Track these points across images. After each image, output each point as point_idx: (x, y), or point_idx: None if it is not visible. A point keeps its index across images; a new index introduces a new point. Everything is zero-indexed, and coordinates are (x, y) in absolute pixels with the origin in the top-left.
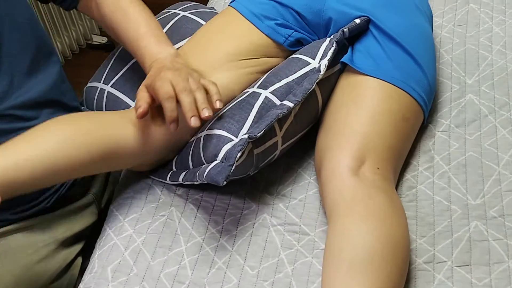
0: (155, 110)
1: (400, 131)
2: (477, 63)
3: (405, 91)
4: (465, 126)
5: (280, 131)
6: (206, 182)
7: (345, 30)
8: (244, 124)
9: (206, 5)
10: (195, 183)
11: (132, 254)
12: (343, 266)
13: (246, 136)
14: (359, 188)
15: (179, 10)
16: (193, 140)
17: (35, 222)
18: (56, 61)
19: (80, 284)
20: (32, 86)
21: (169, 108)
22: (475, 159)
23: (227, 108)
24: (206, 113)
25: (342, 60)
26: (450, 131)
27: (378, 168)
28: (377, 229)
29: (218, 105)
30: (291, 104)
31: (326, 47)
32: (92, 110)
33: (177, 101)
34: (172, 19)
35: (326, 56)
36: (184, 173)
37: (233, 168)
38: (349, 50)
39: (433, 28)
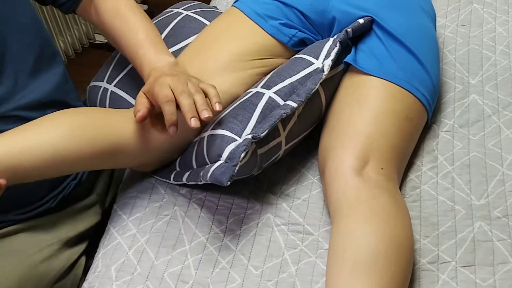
0: (155, 115)
1: (403, 131)
2: (480, 63)
3: (409, 91)
4: (468, 126)
5: (284, 131)
6: (210, 182)
7: (348, 30)
8: (247, 124)
9: (209, 4)
10: (199, 183)
11: (136, 254)
12: (347, 267)
13: (250, 136)
14: (363, 188)
15: (182, 9)
16: (197, 140)
17: (39, 222)
18: (59, 62)
19: (84, 283)
20: (36, 87)
21: (168, 111)
22: (479, 160)
23: (231, 108)
24: (205, 114)
25: (345, 60)
26: (453, 131)
27: (382, 168)
28: (381, 229)
29: (217, 107)
30: (294, 104)
31: (329, 47)
32: None
33: (177, 106)
34: (175, 18)
35: (329, 56)
36: (187, 173)
37: (237, 168)
38: (353, 50)
39: (437, 28)
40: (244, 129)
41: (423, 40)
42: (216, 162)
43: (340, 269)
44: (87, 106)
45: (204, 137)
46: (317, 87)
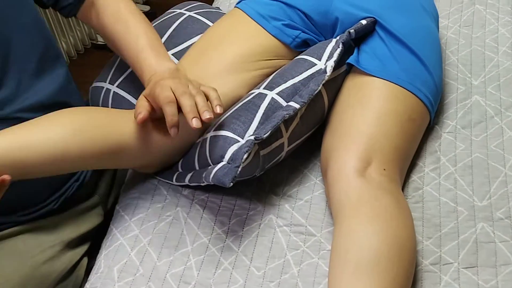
0: (156, 118)
1: (406, 132)
2: (483, 64)
3: (411, 92)
4: (471, 127)
5: (286, 132)
6: (212, 183)
7: (351, 31)
8: (250, 125)
9: (211, 5)
10: (201, 184)
11: (138, 254)
12: (349, 268)
13: (252, 137)
14: (365, 190)
15: (185, 10)
16: (199, 141)
17: (42, 224)
18: (62, 63)
19: (86, 284)
20: (39, 89)
21: (170, 112)
22: (481, 161)
23: (234, 109)
24: (207, 115)
25: (348, 61)
26: (456, 132)
27: (384, 169)
28: (383, 230)
29: (218, 109)
30: (297, 106)
31: (332, 48)
32: None
33: (178, 110)
34: (178, 19)
35: (332, 57)
36: (190, 174)
37: (239, 169)
38: (355, 51)
39: (439, 29)
40: (247, 130)
41: (426, 41)
42: (218, 163)
43: (343, 270)
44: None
45: (206, 138)
46: (319, 88)
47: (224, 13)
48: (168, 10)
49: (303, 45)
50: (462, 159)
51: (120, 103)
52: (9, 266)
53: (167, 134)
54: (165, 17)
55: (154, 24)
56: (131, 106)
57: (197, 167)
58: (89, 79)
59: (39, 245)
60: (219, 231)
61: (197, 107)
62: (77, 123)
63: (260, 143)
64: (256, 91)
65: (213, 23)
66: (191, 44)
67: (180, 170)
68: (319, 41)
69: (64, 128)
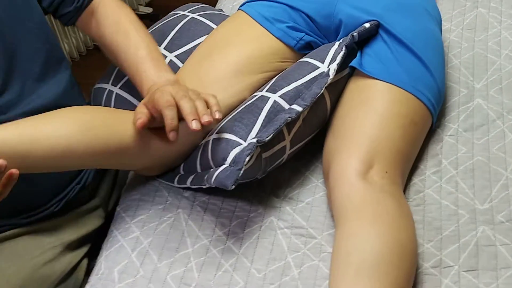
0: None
1: (408, 135)
2: (485, 67)
3: (414, 95)
4: (473, 131)
5: (289, 135)
6: (214, 186)
7: (354, 34)
8: (252, 128)
9: (214, 6)
10: (203, 187)
11: (139, 256)
12: (351, 270)
13: (254, 140)
14: (368, 192)
15: (188, 12)
16: (202, 144)
17: (42, 226)
18: (66, 67)
19: (87, 285)
20: (43, 93)
21: (169, 115)
22: (483, 164)
23: (236, 111)
24: (206, 118)
25: (351, 64)
26: (458, 135)
27: (386, 172)
28: (385, 233)
29: (217, 115)
30: (299, 108)
31: (335, 51)
32: None
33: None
34: (181, 20)
35: (335, 60)
36: (192, 177)
37: (241, 172)
38: (358, 54)
39: (442, 32)
40: (249, 133)
41: (429, 44)
42: (220, 165)
43: (344, 272)
44: None
45: (209, 140)
46: (322, 91)
47: (227, 15)
48: (171, 12)
49: (307, 48)
50: (463, 162)
51: (122, 105)
52: (10, 268)
53: (167, 139)
54: (168, 19)
55: (157, 26)
56: (133, 108)
57: (199, 170)
58: (91, 80)
59: (39, 246)
60: (220, 233)
61: (196, 111)
62: (83, 121)
63: (262, 145)
64: (259, 94)
65: (216, 25)
66: (194, 46)
67: (181, 172)
68: (323, 43)
69: (71, 124)
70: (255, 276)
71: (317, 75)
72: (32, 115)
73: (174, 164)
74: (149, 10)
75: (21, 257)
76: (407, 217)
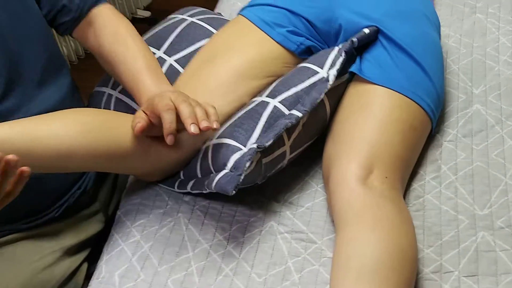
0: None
1: (408, 140)
2: (484, 73)
3: (414, 101)
4: (472, 136)
5: (289, 140)
6: (215, 191)
7: (354, 40)
8: (252, 133)
9: (213, 10)
10: (203, 192)
11: (140, 260)
12: (351, 275)
13: (255, 145)
14: (368, 198)
15: (187, 15)
16: (202, 149)
17: (43, 230)
18: (66, 73)
19: None
20: (43, 99)
21: (168, 119)
22: (482, 170)
23: (236, 117)
24: (205, 123)
25: (351, 70)
26: (457, 141)
27: (386, 177)
28: (385, 238)
29: (215, 125)
30: (299, 114)
31: (334, 56)
32: None
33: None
34: (180, 25)
35: (334, 65)
36: (192, 182)
37: (242, 177)
38: (358, 59)
39: (440, 38)
40: (249, 138)
41: (428, 49)
42: (221, 171)
43: (344, 277)
44: None
45: (209, 146)
46: (322, 96)
47: (226, 19)
48: (169, 15)
49: (307, 52)
50: (462, 168)
51: (122, 109)
52: (9, 272)
53: (167, 145)
54: (167, 23)
55: (156, 30)
56: (133, 112)
57: (199, 175)
58: (90, 84)
59: (39, 251)
60: (220, 237)
61: (195, 116)
62: (85, 122)
63: (262, 151)
64: (259, 99)
65: (215, 29)
66: (194, 50)
67: (182, 177)
68: (322, 48)
69: (73, 126)
70: (255, 281)
71: (316, 81)
72: None
73: (174, 170)
74: (147, 14)
75: (21, 262)
76: (407, 222)
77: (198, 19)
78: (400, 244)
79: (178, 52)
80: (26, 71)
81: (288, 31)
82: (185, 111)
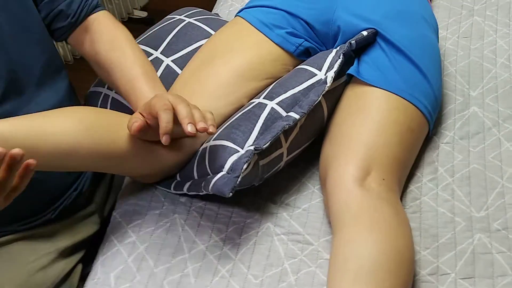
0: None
1: (405, 142)
2: (481, 75)
3: (411, 103)
4: (469, 139)
5: (286, 142)
6: (211, 193)
7: (352, 42)
8: (250, 135)
9: (210, 11)
10: (200, 193)
11: (135, 261)
12: (348, 277)
13: (252, 147)
14: (365, 199)
15: (184, 16)
16: (198, 151)
17: (38, 232)
18: (64, 76)
19: None
20: (41, 102)
21: (165, 119)
22: (479, 172)
23: (233, 118)
24: (202, 124)
25: (348, 72)
26: (454, 143)
27: (383, 179)
28: (382, 240)
29: (211, 129)
30: (297, 116)
31: (332, 58)
32: None
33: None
34: (177, 25)
35: (332, 68)
36: (188, 183)
37: (239, 179)
38: (356, 61)
39: (438, 40)
40: (247, 140)
41: (426, 51)
42: (218, 173)
43: (342, 279)
44: None
45: (206, 147)
46: (319, 98)
47: (224, 20)
48: (166, 16)
49: (305, 54)
50: (459, 170)
51: (118, 109)
52: (4, 274)
53: (166, 147)
54: (164, 24)
55: (154, 30)
56: (129, 113)
57: (195, 177)
58: (86, 84)
59: (34, 252)
60: (216, 239)
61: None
62: (89, 121)
63: (260, 153)
64: (256, 101)
65: (213, 30)
66: (191, 51)
67: (178, 179)
68: (321, 50)
69: (78, 124)
70: (252, 282)
71: (314, 83)
72: None
73: (171, 173)
74: (144, 14)
75: (16, 263)
76: (404, 224)
77: (195, 20)
78: (397, 246)
79: (175, 52)
80: (25, 73)
81: (286, 32)
82: (182, 111)
